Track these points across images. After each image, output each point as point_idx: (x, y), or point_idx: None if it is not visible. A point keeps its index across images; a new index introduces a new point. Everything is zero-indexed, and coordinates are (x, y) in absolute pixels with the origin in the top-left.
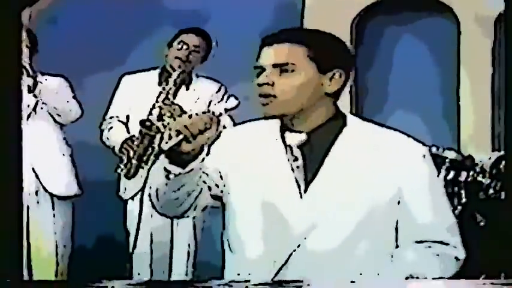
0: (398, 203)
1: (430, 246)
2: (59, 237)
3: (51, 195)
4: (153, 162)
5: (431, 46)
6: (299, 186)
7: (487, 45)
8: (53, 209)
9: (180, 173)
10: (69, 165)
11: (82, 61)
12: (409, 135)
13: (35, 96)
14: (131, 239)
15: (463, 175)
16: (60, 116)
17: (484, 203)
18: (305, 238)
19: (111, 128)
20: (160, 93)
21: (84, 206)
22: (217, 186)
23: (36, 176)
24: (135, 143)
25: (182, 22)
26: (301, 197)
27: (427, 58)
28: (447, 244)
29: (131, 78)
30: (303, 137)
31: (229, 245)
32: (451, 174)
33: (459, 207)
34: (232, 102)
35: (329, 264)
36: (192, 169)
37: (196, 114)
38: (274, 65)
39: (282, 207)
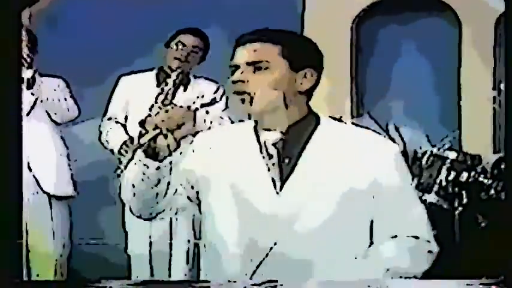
0: (373, 199)
1: (404, 241)
2: (58, 238)
3: (49, 195)
4: None
5: (432, 46)
6: (275, 184)
7: (489, 45)
8: (51, 209)
9: (157, 168)
10: (67, 166)
11: (81, 61)
12: (381, 134)
13: (32, 94)
14: (129, 239)
15: (464, 175)
16: (57, 114)
17: (486, 203)
18: (280, 238)
19: (109, 130)
20: (160, 94)
21: (82, 206)
22: (192, 188)
23: (34, 176)
24: (134, 143)
25: (180, 22)
26: (277, 194)
27: (427, 58)
28: (420, 238)
29: (129, 79)
30: (277, 135)
31: (204, 246)
32: (452, 174)
33: (460, 208)
34: (209, 98)
35: (306, 261)
36: (169, 163)
37: (173, 107)
38: (248, 63)
39: (259, 205)
